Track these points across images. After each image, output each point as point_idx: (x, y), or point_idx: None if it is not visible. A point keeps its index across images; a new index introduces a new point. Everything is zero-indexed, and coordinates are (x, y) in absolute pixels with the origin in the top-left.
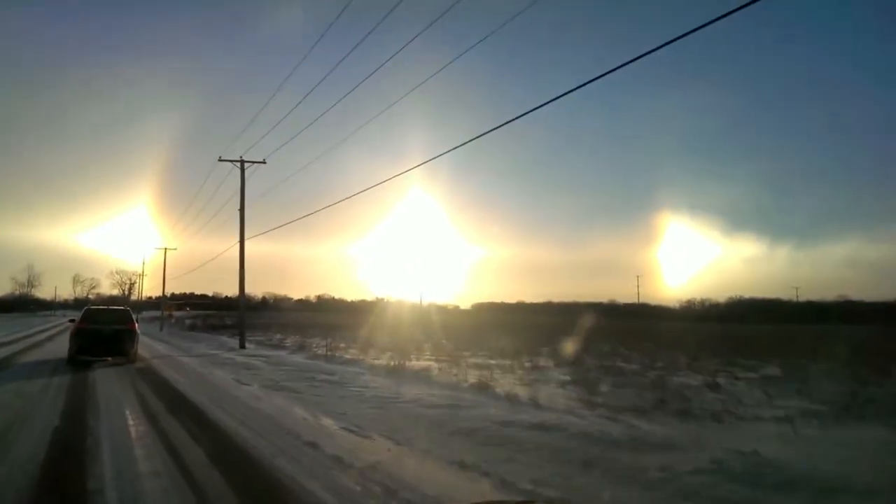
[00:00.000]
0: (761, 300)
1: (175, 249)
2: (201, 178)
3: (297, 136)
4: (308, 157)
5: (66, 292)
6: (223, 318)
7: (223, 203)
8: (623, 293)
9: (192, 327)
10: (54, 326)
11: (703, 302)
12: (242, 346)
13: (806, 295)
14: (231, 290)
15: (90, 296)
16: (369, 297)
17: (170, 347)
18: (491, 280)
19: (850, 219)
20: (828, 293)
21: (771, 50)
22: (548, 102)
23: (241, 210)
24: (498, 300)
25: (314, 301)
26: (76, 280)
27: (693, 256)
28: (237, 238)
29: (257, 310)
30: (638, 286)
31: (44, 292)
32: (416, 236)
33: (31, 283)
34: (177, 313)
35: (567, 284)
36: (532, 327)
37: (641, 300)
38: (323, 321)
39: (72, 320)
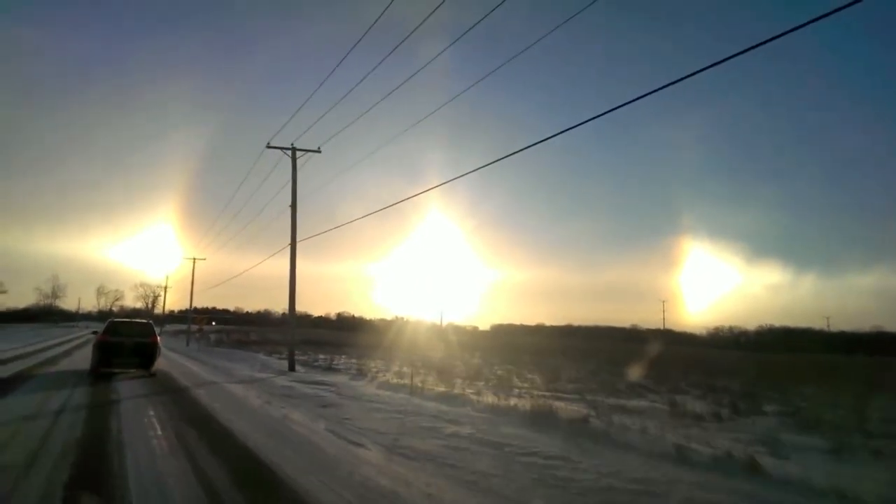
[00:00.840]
0: (793, 329)
1: (204, 259)
2: (227, 194)
3: (317, 151)
4: (327, 174)
5: (89, 304)
6: (248, 333)
7: (255, 213)
8: (644, 318)
9: (219, 342)
10: (76, 338)
11: (731, 329)
12: (292, 369)
13: (832, 325)
14: (252, 306)
15: (113, 308)
16: (387, 316)
17: (207, 369)
18: (507, 301)
19: (876, 248)
20: (853, 323)
21: (794, 75)
22: (569, 129)
23: (293, 206)
24: (516, 322)
25: (334, 318)
26: (100, 292)
27: (715, 283)
28: (262, 256)
29: (277, 325)
30: (664, 312)
31: (68, 303)
32: (433, 256)
33: (55, 293)
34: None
35: (584, 308)
36: (578, 352)
37: (652, 326)
38: (350, 339)
39: (95, 332)
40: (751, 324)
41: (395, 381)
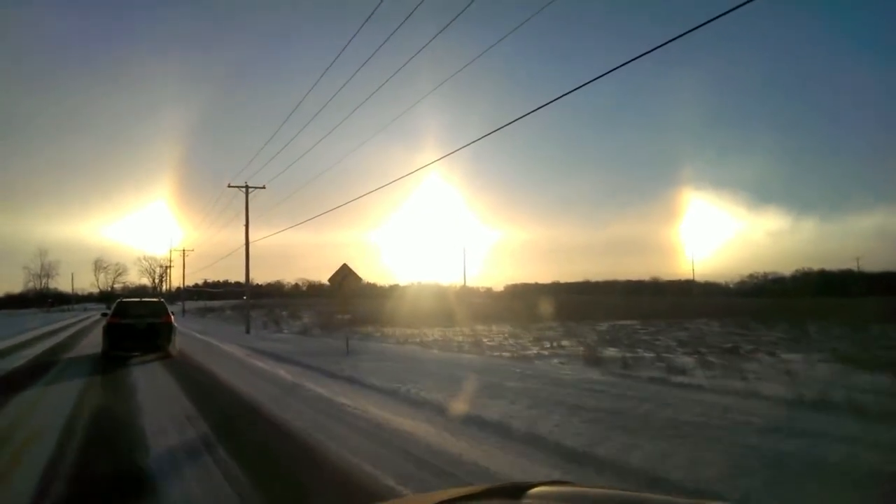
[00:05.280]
0: (831, 273)
1: (263, 188)
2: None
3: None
4: (334, 149)
5: (87, 282)
6: (281, 308)
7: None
8: (661, 270)
9: (277, 328)
10: (56, 332)
11: (765, 276)
12: None
13: (838, 265)
14: (261, 278)
15: (115, 285)
16: (397, 282)
17: None
18: (517, 261)
19: (876, 190)
20: (878, 263)
21: (796, 20)
22: (572, 91)
23: None
24: (529, 281)
25: None
26: (98, 266)
27: (720, 232)
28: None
29: (293, 297)
30: (693, 264)
31: (62, 283)
32: (438, 220)
33: (45, 272)
34: (215, 303)
35: (598, 262)
36: (629, 309)
37: (673, 277)
38: (391, 308)
39: (105, 314)
40: (793, 269)
41: None
